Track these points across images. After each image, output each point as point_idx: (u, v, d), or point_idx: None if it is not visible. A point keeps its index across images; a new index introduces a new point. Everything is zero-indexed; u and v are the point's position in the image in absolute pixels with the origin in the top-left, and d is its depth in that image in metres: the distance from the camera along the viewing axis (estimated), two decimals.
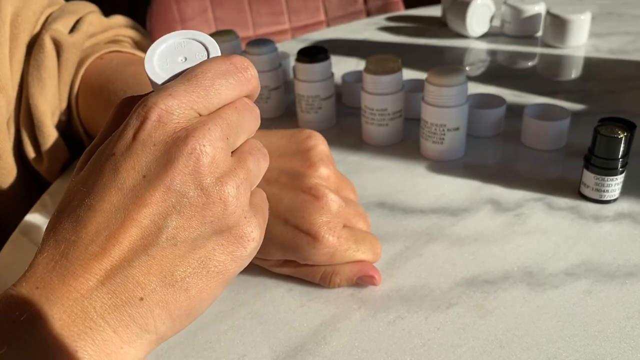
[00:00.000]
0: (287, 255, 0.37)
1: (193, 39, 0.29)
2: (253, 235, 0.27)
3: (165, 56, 0.29)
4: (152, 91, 0.27)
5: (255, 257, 0.37)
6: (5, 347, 0.22)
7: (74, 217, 0.25)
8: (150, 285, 0.24)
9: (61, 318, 0.23)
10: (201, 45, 0.29)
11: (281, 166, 0.38)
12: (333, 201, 0.37)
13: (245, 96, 0.28)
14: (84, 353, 0.23)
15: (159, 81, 0.28)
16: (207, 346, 0.34)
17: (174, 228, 0.25)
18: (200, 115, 0.26)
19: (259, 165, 0.28)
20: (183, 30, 0.30)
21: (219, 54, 0.29)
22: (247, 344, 0.34)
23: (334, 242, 0.36)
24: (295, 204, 0.37)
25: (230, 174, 0.26)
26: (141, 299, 0.24)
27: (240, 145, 0.28)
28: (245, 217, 0.27)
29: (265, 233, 0.34)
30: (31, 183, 0.54)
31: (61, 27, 0.49)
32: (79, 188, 0.26)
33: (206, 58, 0.29)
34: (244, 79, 0.27)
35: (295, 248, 0.36)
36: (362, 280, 0.37)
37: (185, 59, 0.29)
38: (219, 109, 0.27)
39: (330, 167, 0.39)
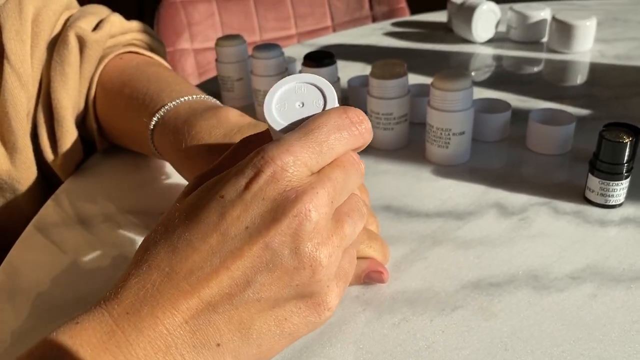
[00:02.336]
0: None
1: (310, 84, 0.30)
2: (331, 304, 0.28)
3: (283, 100, 0.29)
4: (270, 138, 0.28)
5: None
6: None
7: (171, 247, 0.26)
8: (228, 334, 0.26)
9: (145, 348, 0.24)
10: (318, 91, 0.29)
11: None
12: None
13: (357, 147, 0.29)
14: None
15: (277, 127, 0.29)
16: None
17: (261, 284, 0.26)
18: (312, 171, 0.27)
19: (355, 228, 0.29)
20: (301, 74, 0.30)
21: (336, 101, 0.29)
22: None
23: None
24: None
25: (326, 242, 0.27)
26: (218, 344, 0.25)
27: (341, 204, 0.29)
28: (328, 286, 0.28)
29: None
30: (43, 179, 0.54)
31: (85, 25, 0.50)
32: (182, 217, 0.27)
33: (323, 104, 0.29)
34: (357, 133, 0.28)
35: None
36: (370, 277, 0.38)
37: (303, 105, 0.29)
38: (329, 168, 0.28)
39: None
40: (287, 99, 0.29)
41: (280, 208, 0.25)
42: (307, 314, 0.28)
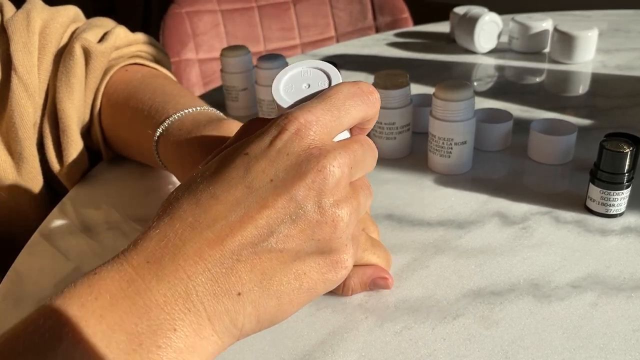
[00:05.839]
0: None
1: (316, 68, 0.32)
2: (347, 263, 0.29)
3: (290, 83, 0.31)
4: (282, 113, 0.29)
5: None
6: (110, 313, 0.23)
7: (194, 200, 0.26)
8: (250, 284, 0.26)
9: (165, 294, 0.24)
10: (323, 73, 0.31)
11: None
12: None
13: (369, 119, 0.31)
14: (181, 332, 0.24)
15: (285, 105, 0.30)
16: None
17: (284, 235, 0.26)
18: (331, 135, 0.28)
19: (367, 201, 0.30)
20: (307, 61, 0.32)
21: (340, 81, 0.31)
22: (256, 352, 0.35)
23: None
24: None
25: (346, 200, 0.28)
26: (239, 294, 0.25)
27: (355, 180, 0.30)
28: (346, 245, 0.28)
29: None
30: (48, 188, 0.55)
31: (90, 37, 0.51)
32: (205, 175, 0.27)
33: (328, 84, 0.31)
34: (369, 101, 0.30)
35: None
36: (376, 283, 0.38)
37: (309, 86, 0.31)
38: (348, 141, 0.29)
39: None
40: (294, 81, 0.31)
41: (305, 163, 0.26)
42: (325, 271, 0.28)
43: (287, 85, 0.31)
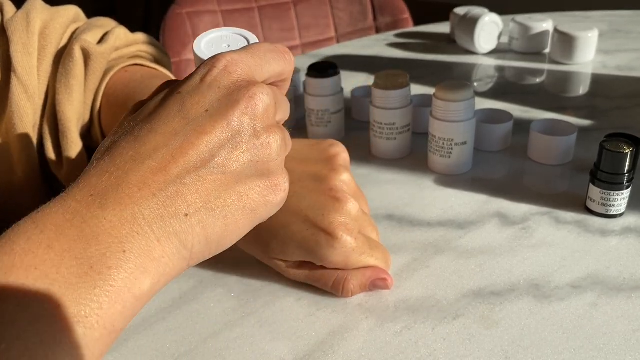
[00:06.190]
0: (305, 255, 0.38)
1: (236, 33, 0.34)
2: (284, 187, 0.30)
3: (211, 43, 0.34)
4: None
5: (273, 259, 0.38)
6: (57, 242, 0.24)
7: (133, 138, 0.27)
8: (196, 205, 0.26)
9: (112, 220, 0.24)
10: (242, 38, 0.34)
11: (304, 170, 0.40)
12: (353, 205, 0.38)
13: (283, 79, 0.33)
14: (131, 254, 0.24)
15: (206, 58, 0.32)
16: (217, 354, 0.35)
17: (225, 158, 0.27)
18: (255, 77, 0.30)
19: (289, 141, 0.32)
20: (229, 28, 0.34)
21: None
22: (256, 352, 0.35)
23: (352, 242, 0.37)
24: (317, 203, 0.38)
25: (276, 127, 0.29)
26: (186, 215, 0.26)
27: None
28: (282, 169, 0.30)
29: (285, 231, 0.37)
30: (49, 190, 0.55)
31: (90, 38, 0.51)
32: (139, 119, 0.28)
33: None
34: (286, 59, 0.32)
35: (314, 246, 0.37)
36: (375, 284, 0.38)
37: (229, 46, 0.34)
38: (269, 85, 0.31)
39: (351, 174, 0.41)
40: (215, 42, 0.34)
41: (236, 92, 0.28)
42: (266, 194, 0.29)
43: (208, 45, 0.33)
